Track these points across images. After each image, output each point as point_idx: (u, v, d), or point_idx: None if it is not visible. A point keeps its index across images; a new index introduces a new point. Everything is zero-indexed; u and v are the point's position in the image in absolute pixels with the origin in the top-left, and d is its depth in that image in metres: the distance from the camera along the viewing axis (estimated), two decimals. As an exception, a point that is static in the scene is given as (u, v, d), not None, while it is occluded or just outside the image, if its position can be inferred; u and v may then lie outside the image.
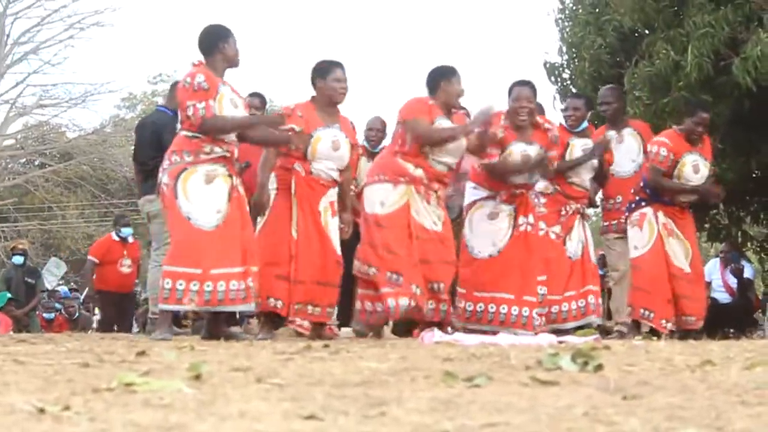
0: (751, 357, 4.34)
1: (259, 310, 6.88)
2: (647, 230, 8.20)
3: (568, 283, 8.09)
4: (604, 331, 8.22)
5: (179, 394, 2.72)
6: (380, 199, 7.11)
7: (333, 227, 7.03)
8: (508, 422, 2.25)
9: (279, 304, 6.83)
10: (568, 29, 12.51)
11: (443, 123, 7.18)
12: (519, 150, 7.55)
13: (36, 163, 30.83)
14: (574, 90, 12.30)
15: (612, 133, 8.70)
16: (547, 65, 12.61)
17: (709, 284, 11.86)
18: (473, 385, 3.03)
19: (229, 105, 6.56)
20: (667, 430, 2.16)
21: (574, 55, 12.28)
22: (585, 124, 8.44)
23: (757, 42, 9.70)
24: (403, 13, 75.29)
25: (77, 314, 16.15)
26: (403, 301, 6.94)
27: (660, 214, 8.20)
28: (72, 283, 24.65)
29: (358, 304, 7.24)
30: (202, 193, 6.43)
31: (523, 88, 7.66)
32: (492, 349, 4.80)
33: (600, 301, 8.26)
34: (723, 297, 11.59)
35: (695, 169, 8.20)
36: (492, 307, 7.42)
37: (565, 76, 12.59)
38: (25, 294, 13.91)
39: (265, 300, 6.80)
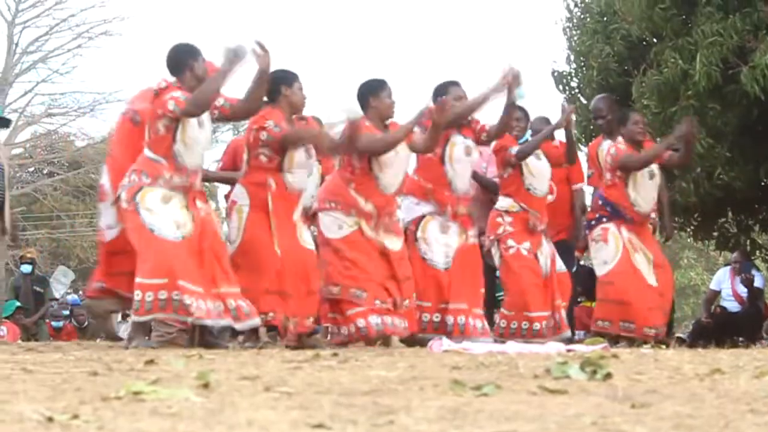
0: (760, 366, 4.33)
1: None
2: (613, 243, 8.19)
3: (552, 297, 8.07)
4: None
5: (187, 403, 2.72)
6: (337, 223, 7.17)
7: (307, 237, 7.06)
8: (516, 431, 2.25)
9: (270, 316, 6.79)
10: (576, 38, 12.50)
11: None
12: (461, 141, 7.66)
13: (44, 171, 30.89)
14: (582, 99, 12.30)
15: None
16: (555, 74, 12.60)
17: (718, 293, 11.83)
18: (481, 394, 3.02)
19: (195, 125, 6.56)
20: (676, 439, 2.16)
21: (582, 64, 12.27)
22: (528, 135, 8.39)
23: (765, 51, 9.69)
24: (410, 22, 75.32)
25: (87, 322, 16.16)
26: (374, 319, 7.02)
27: (623, 229, 8.23)
28: (81, 292, 24.67)
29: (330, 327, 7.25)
30: (161, 208, 6.43)
31: (457, 87, 7.80)
32: (500, 358, 4.79)
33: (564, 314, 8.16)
34: (732, 306, 11.56)
35: (650, 175, 8.32)
36: (450, 319, 7.47)
37: (573, 84, 12.57)
38: (33, 302, 13.94)
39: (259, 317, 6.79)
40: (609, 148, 8.29)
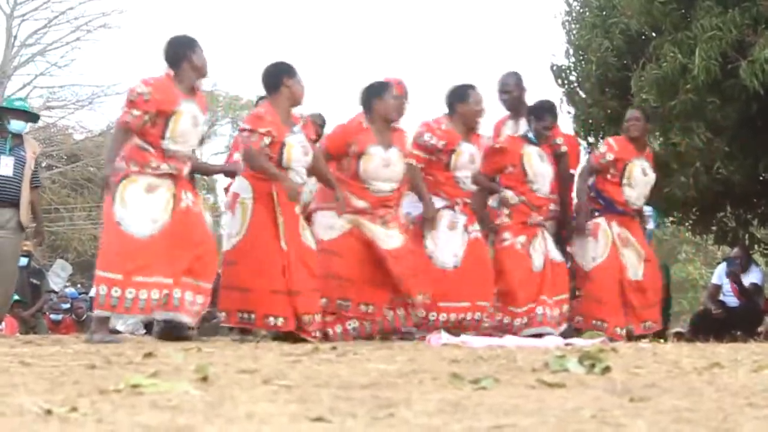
0: (759, 360, 4.33)
1: (248, 327, 6.89)
2: (602, 240, 8.32)
3: (538, 293, 8.01)
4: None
5: (186, 396, 2.72)
6: (329, 224, 7.16)
7: (308, 233, 7.00)
8: (515, 424, 2.25)
9: (279, 321, 6.72)
10: (575, 32, 12.49)
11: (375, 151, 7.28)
12: (466, 150, 7.68)
13: (43, 164, 30.83)
14: (581, 93, 12.29)
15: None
16: (554, 68, 12.59)
17: (720, 287, 11.77)
18: (480, 388, 3.02)
19: (189, 123, 6.56)
20: (675, 432, 2.16)
21: (581, 58, 12.25)
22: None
23: (764, 45, 9.68)
24: (409, 16, 75.31)
25: (85, 315, 16.16)
26: (347, 326, 7.11)
27: (614, 224, 8.35)
28: (79, 285, 24.66)
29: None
30: (139, 201, 6.39)
31: (476, 91, 7.78)
32: (499, 352, 4.80)
33: (552, 311, 8.02)
34: (731, 301, 11.52)
35: (644, 172, 8.46)
36: (453, 316, 7.47)
37: (572, 78, 12.56)
38: (30, 295, 13.92)
39: (262, 320, 6.73)
40: (600, 146, 8.45)
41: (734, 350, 5.37)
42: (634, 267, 8.32)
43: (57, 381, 3.22)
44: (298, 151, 6.89)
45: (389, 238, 7.21)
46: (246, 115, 7.73)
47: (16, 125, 8.70)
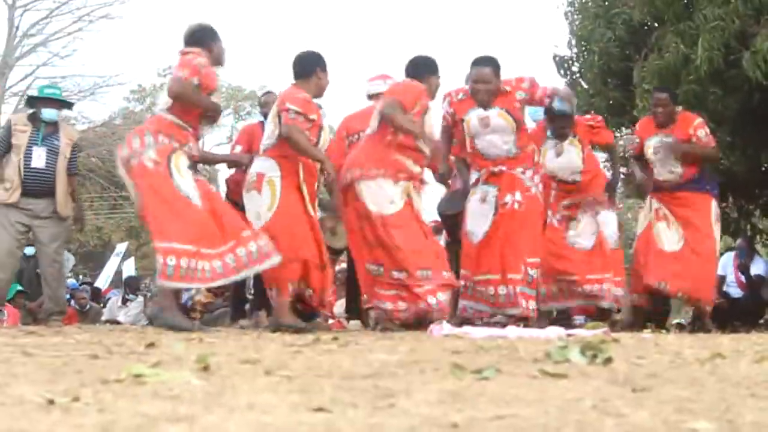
0: (761, 350, 4.33)
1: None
2: (642, 218, 8.85)
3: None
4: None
5: (188, 386, 2.72)
6: (389, 197, 6.96)
7: (317, 211, 7.19)
8: (516, 414, 2.25)
9: (309, 292, 7.02)
10: (577, 22, 12.49)
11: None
12: (474, 115, 7.59)
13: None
14: (583, 83, 12.28)
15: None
16: (557, 58, 12.59)
17: (723, 278, 11.78)
18: (482, 378, 3.02)
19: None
20: (676, 422, 2.16)
21: (584, 49, 12.25)
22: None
23: (767, 35, 9.67)
24: (411, 4, 75.18)
25: (88, 306, 16.17)
26: (443, 296, 6.95)
27: (653, 200, 8.67)
28: (81, 276, 24.64)
29: (388, 305, 6.98)
30: (189, 175, 6.51)
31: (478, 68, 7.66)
32: (500, 342, 4.80)
33: (609, 287, 8.43)
34: (735, 292, 11.54)
35: (655, 151, 8.61)
36: (487, 288, 7.53)
37: (575, 69, 12.56)
38: (35, 286, 13.93)
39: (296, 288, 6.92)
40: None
41: (736, 341, 5.37)
42: (666, 239, 8.53)
43: (59, 371, 3.22)
44: (327, 135, 7.14)
45: (424, 212, 7.33)
46: (251, 103, 7.81)
47: (48, 114, 8.74)
